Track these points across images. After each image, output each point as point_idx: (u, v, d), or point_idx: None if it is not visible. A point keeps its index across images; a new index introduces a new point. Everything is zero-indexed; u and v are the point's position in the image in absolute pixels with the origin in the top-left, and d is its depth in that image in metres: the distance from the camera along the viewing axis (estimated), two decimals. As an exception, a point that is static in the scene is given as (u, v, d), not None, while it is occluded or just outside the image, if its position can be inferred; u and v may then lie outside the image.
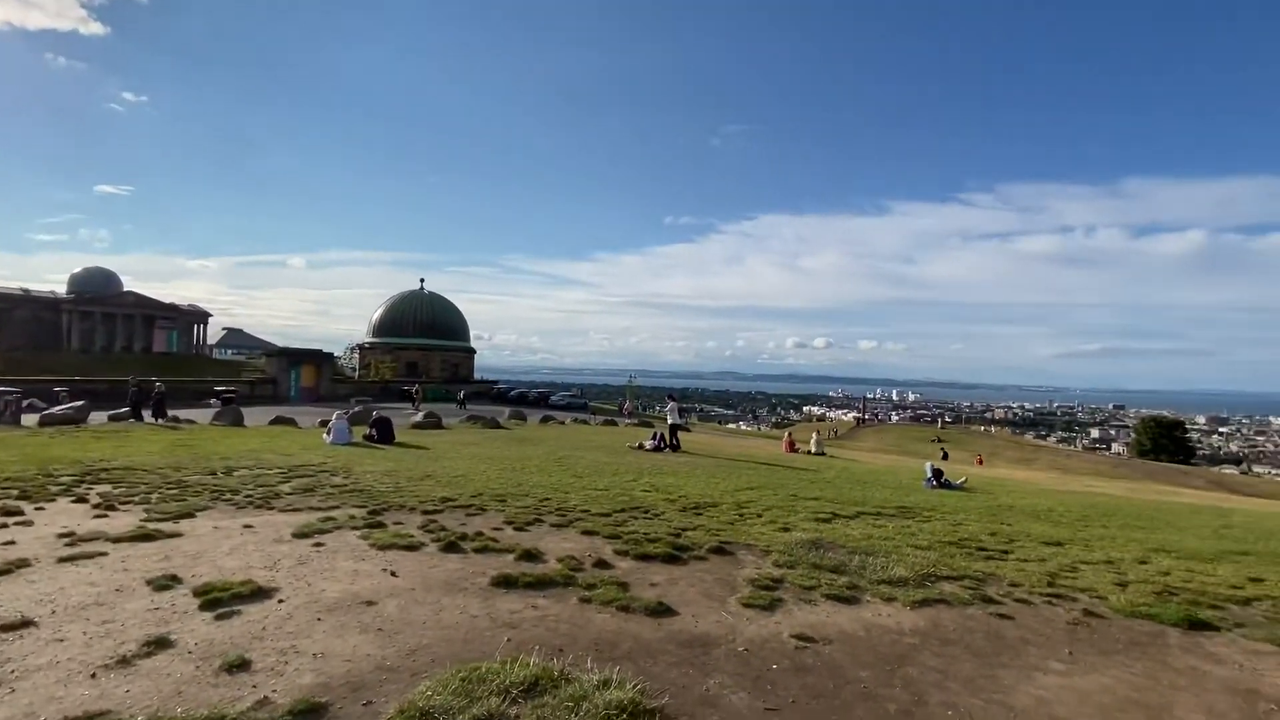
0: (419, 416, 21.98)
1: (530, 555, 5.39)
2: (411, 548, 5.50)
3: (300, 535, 5.77)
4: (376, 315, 57.06)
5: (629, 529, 6.56)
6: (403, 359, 53.81)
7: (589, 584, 4.64)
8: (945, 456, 35.08)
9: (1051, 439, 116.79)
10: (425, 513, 6.99)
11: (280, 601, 4.06)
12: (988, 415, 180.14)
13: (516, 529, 6.42)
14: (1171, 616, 4.51)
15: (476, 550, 5.52)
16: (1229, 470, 71.67)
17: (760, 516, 7.71)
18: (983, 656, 3.70)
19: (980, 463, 34.01)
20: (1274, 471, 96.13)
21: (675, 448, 17.59)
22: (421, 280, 60.37)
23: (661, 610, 4.20)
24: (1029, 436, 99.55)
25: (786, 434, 24.68)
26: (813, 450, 22.16)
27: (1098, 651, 3.88)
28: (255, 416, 21.06)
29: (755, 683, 3.21)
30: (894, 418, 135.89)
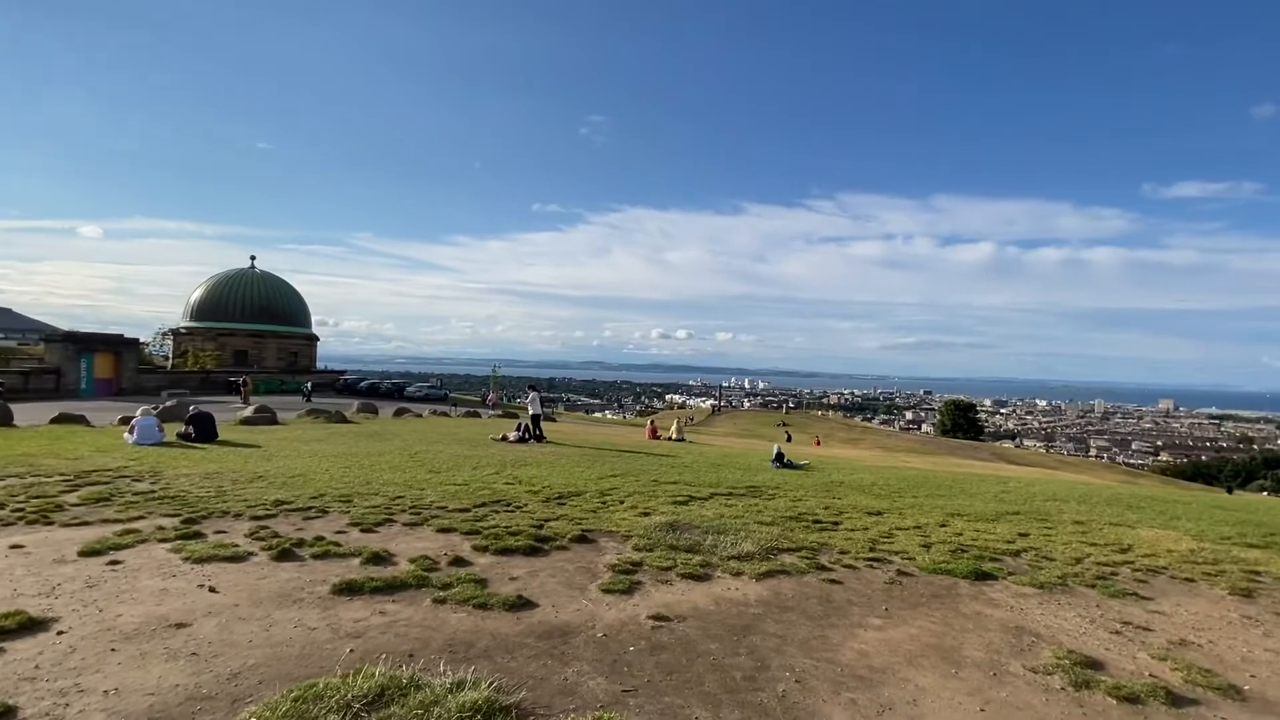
0: (248, 411, 19.62)
1: (379, 558, 5.05)
2: (236, 559, 4.92)
3: (90, 553, 4.91)
4: (196, 296, 49.79)
5: (489, 523, 6.38)
6: (229, 346, 47.57)
7: (444, 583, 4.45)
8: (789, 439, 38.26)
9: (876, 421, 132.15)
10: (254, 519, 6.27)
11: (60, 633, 3.43)
12: (824, 401, 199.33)
13: (364, 530, 5.98)
14: (963, 570, 5.31)
15: (316, 556, 5.06)
16: (1007, 444, 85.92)
17: (623, 503, 7.89)
18: (816, 619, 4.10)
19: (818, 444, 37.48)
20: (1038, 445, 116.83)
21: (539, 438, 17.41)
22: (252, 258, 53.67)
23: (521, 604, 4.15)
24: (858, 419, 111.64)
25: (649, 422, 25.47)
26: (674, 437, 23.07)
27: (907, 605, 4.46)
28: (31, 414, 17.52)
29: (613, 666, 3.28)
30: (746, 404, 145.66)
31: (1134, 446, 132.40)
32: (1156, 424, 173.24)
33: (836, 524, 7.16)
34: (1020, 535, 6.95)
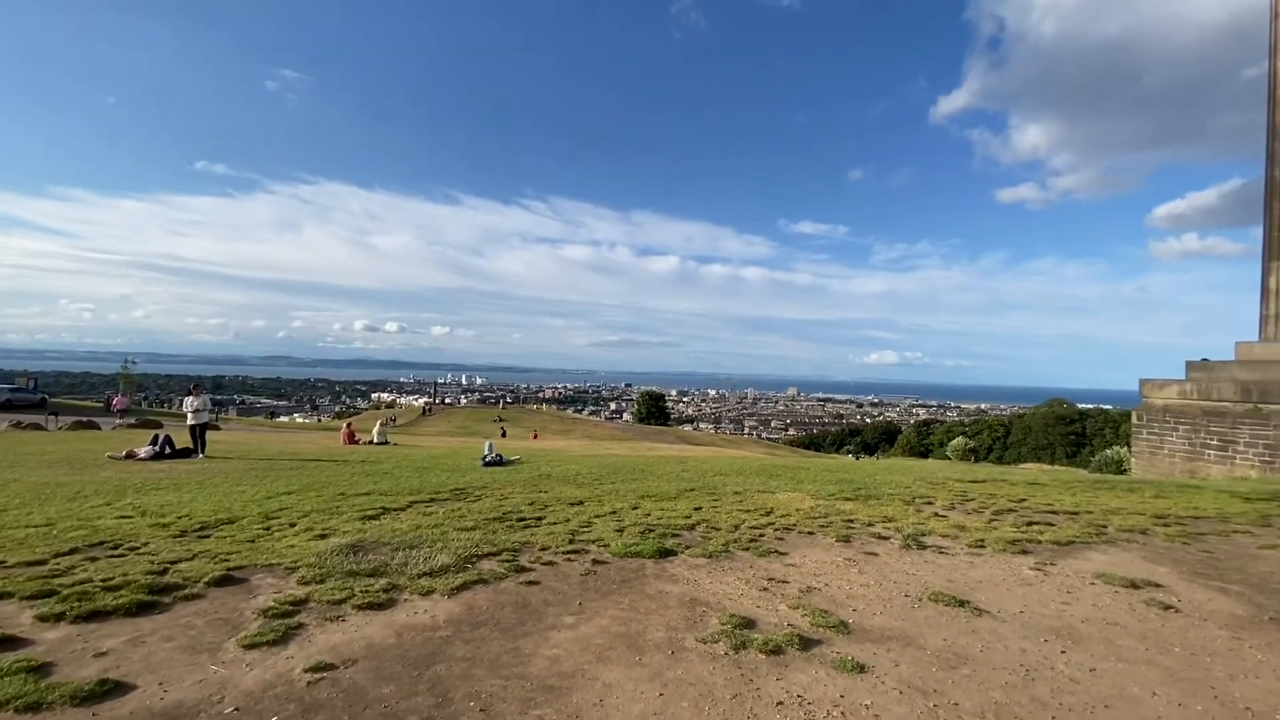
0: None
1: None
2: None
3: None
4: None
5: (75, 578, 4.65)
6: None
7: (-37, 686, 2.99)
8: (504, 435, 38.22)
9: (585, 412, 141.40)
10: None
11: None
12: (540, 395, 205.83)
13: None
14: (649, 550, 5.69)
15: None
16: (687, 428, 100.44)
17: (294, 526, 6.60)
18: (509, 631, 3.87)
19: (535, 437, 38.27)
20: (709, 427, 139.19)
21: (192, 452, 13.93)
22: None
23: (105, 692, 3.01)
24: (569, 411, 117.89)
25: (346, 424, 22.57)
26: (375, 440, 20.85)
27: (600, 595, 4.55)
28: None
29: (241, 752, 2.53)
30: (463, 401, 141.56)
31: (773, 424, 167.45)
32: (787, 406, 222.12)
33: (540, 519, 7.11)
34: (695, 510, 7.85)
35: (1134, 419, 20.13)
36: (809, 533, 6.69)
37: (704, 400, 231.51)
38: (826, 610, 4.23)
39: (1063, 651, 3.66)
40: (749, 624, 3.98)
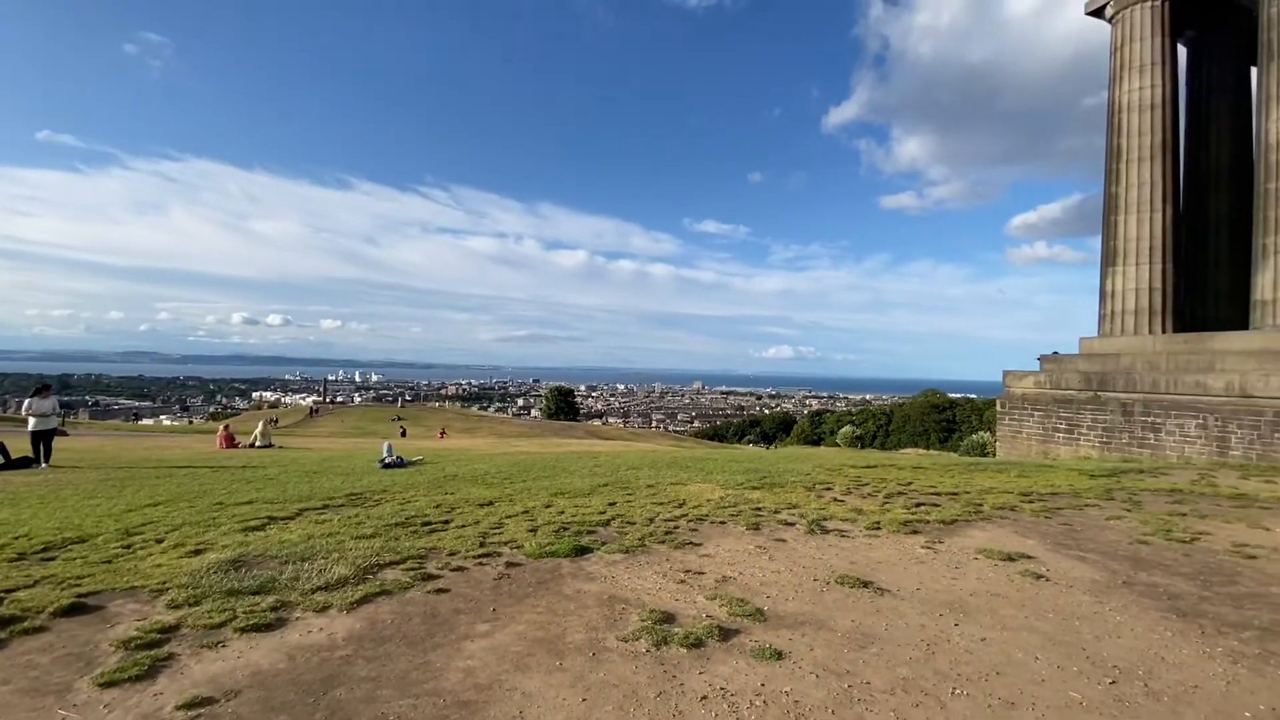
0: None
1: None
2: None
3: None
4: None
5: None
6: None
7: None
8: (404, 434, 36.40)
9: (491, 409, 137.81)
10: None
11: None
12: (442, 392, 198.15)
13: None
14: (564, 549, 5.56)
15: None
16: (596, 423, 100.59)
17: (161, 543, 5.86)
18: (417, 644, 3.62)
19: (443, 436, 36.75)
20: (618, 421, 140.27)
21: (33, 462, 12.11)
22: None
23: (-90, 757, 2.49)
24: (475, 409, 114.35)
25: (223, 426, 20.51)
26: (258, 443, 19.10)
27: (515, 599, 4.37)
28: None
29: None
30: (357, 399, 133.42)
31: (679, 417, 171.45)
32: (692, 399, 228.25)
33: (447, 523, 6.77)
34: (610, 505, 7.79)
35: (998, 406, 22.33)
36: (720, 522, 6.83)
37: (613, 395, 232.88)
38: (743, 599, 4.31)
39: (956, 624, 3.95)
40: (669, 618, 3.97)
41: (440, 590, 4.53)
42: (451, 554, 5.48)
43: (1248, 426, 14.84)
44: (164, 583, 4.58)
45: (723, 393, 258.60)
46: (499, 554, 5.51)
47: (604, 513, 7.27)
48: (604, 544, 5.84)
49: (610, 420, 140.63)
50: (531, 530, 6.36)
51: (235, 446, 18.60)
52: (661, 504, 7.83)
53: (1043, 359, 21.36)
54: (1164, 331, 18.76)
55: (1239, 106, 20.40)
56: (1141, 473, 11.42)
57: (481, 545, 5.75)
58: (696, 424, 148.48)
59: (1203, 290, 20.64)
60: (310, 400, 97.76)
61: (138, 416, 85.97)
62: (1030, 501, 8.17)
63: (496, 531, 6.33)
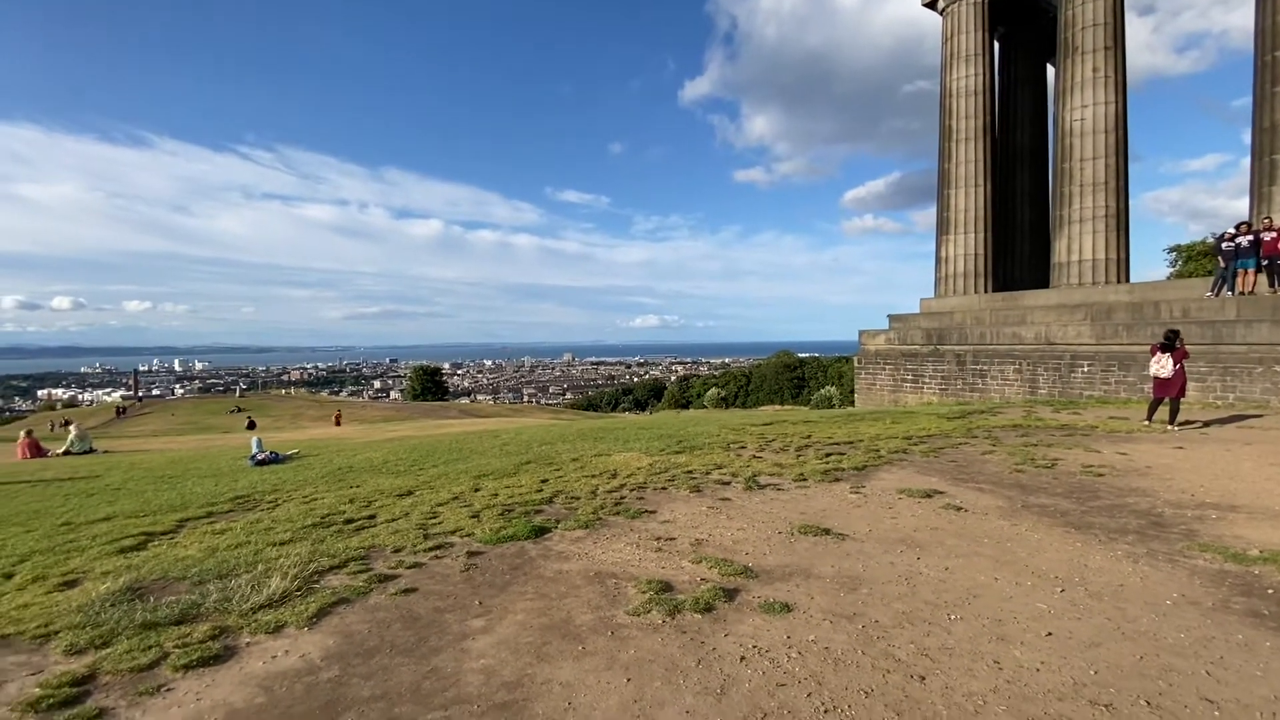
0: None
1: None
2: None
3: None
4: None
5: None
6: None
7: None
8: (252, 425, 32.58)
9: (344, 394, 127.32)
10: None
11: None
12: (284, 378, 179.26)
13: None
14: (522, 531, 5.32)
15: None
16: (465, 401, 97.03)
17: (10, 578, 4.73)
18: (412, 652, 3.28)
19: (338, 422, 33.49)
20: (488, 398, 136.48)
21: None
22: None
23: None
24: (325, 394, 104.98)
25: (24, 433, 16.88)
26: (74, 449, 15.98)
27: (496, 589, 4.12)
28: None
29: None
30: (179, 391, 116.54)
31: (551, 390, 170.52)
32: (563, 372, 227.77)
33: (373, 519, 6.17)
34: (543, 483, 7.56)
35: (855, 362, 24.73)
36: (661, 488, 6.91)
37: (480, 371, 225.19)
38: (725, 559, 4.42)
39: (918, 558, 4.36)
40: (667, 587, 3.96)
41: (407, 590, 4.13)
42: (396, 550, 5.02)
43: (1051, 369, 17.83)
44: (45, 625, 3.71)
45: (593, 363, 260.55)
46: (451, 544, 5.14)
47: (540, 491, 7.05)
48: (559, 522, 5.67)
49: (480, 398, 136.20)
50: (473, 516, 6.00)
51: (43, 455, 15.42)
52: (594, 476, 7.75)
53: (891, 318, 23.93)
54: (986, 291, 21.81)
55: (1039, 96, 23.91)
56: (983, 413, 13.31)
57: (426, 537, 5.32)
58: (570, 396, 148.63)
59: (1012, 255, 24.23)
60: (118, 395, 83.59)
61: None
62: (914, 444, 9.19)
63: (435, 522, 5.89)
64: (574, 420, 30.78)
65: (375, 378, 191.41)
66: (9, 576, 4.77)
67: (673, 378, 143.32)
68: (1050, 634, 3.23)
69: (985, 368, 19.62)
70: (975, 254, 21.89)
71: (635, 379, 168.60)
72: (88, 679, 3.09)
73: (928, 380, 21.44)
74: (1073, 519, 5.23)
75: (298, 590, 4.16)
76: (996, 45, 24.57)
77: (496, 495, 6.93)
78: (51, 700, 2.87)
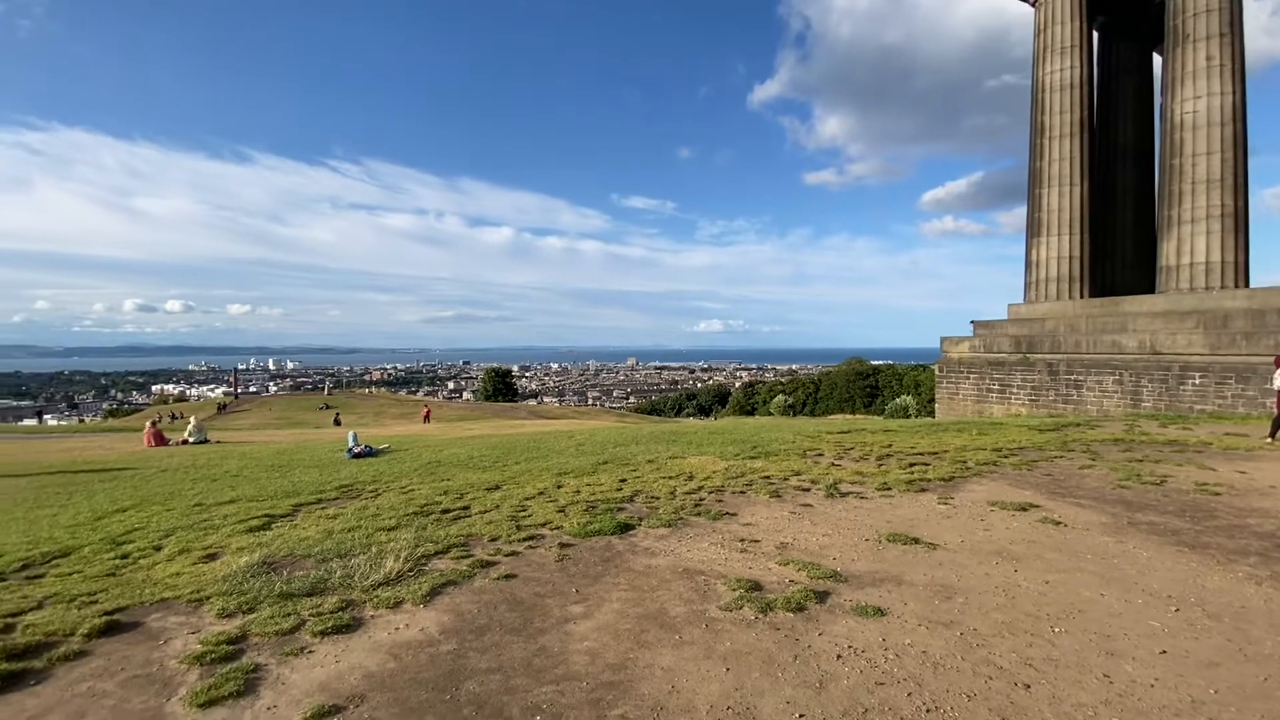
0: None
1: None
2: None
3: None
4: None
5: None
6: None
7: None
8: (338, 422, 34.71)
9: (421, 393, 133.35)
10: None
11: None
12: (366, 378, 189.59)
13: None
14: (608, 527, 5.53)
15: None
16: (532, 402, 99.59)
17: (160, 549, 5.37)
18: (520, 631, 3.53)
19: (428, 419, 35.51)
20: (554, 400, 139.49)
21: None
22: None
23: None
24: (403, 393, 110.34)
25: (149, 423, 18.81)
26: (191, 439, 17.65)
27: (590, 579, 4.33)
28: None
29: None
30: (272, 389, 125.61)
31: (615, 394, 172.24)
32: (627, 376, 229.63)
33: (467, 509, 6.56)
34: (621, 482, 7.78)
35: (936, 370, 23.76)
36: (740, 492, 6.97)
37: (547, 374, 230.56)
38: (813, 563, 4.45)
39: (1015, 570, 4.25)
40: (756, 586, 4.05)
41: (507, 576, 4.41)
42: (492, 539, 5.33)
43: (1157, 380, 16.55)
44: (198, 592, 4.22)
45: (656, 368, 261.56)
46: (542, 536, 5.41)
47: (620, 489, 7.26)
48: (641, 519, 5.85)
49: (546, 400, 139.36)
50: (560, 511, 6.27)
51: (166, 444, 17.12)
52: (671, 478, 7.89)
53: (975, 324, 22.86)
54: (1082, 297, 20.49)
55: (1143, 87, 22.28)
56: (1079, 426, 12.54)
57: (518, 528, 5.62)
58: (633, 400, 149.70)
59: (1111, 258, 22.64)
60: (220, 392, 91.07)
61: (15, 418, 77.40)
62: (1004, 456, 8.81)
63: (524, 514, 6.20)
64: (640, 424, 31.07)
65: (449, 379, 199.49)
66: (159, 549, 5.41)
67: (737, 383, 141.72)
68: (1164, 651, 3.10)
69: (1081, 378, 18.43)
70: (1070, 256, 20.61)
71: (699, 384, 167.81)
72: (240, 639, 3.51)
73: (1016, 390, 20.34)
74: (1186, 538, 4.92)
75: (410, 571, 4.52)
76: (1095, 35, 23.10)
77: (579, 492, 7.19)
78: (212, 655, 3.28)
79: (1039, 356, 19.68)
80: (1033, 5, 21.59)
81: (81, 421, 62.77)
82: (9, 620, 3.85)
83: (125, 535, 5.91)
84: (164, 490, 8.69)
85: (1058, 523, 5.39)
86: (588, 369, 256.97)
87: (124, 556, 5.21)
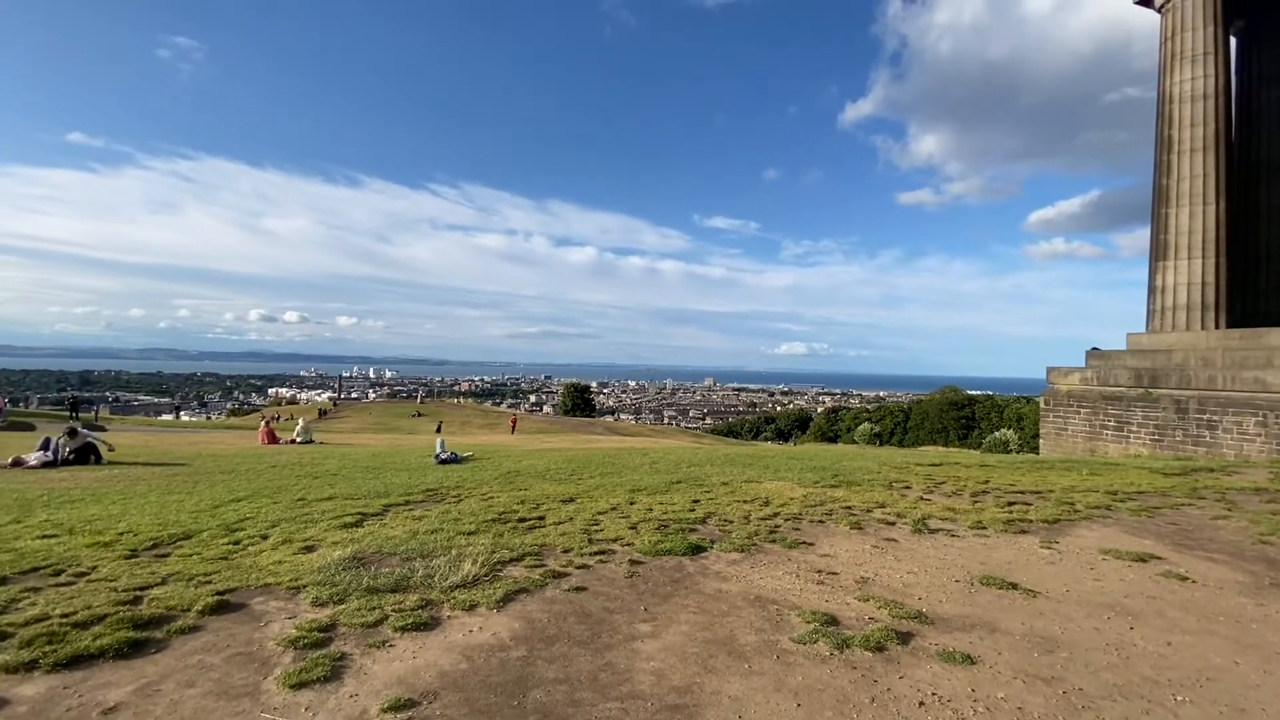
0: None
1: None
2: None
3: None
4: None
5: (27, 614, 3.84)
6: None
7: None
8: (439, 429, 36.56)
9: (504, 405, 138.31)
10: None
11: None
12: (456, 388, 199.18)
13: None
14: (679, 547, 5.47)
15: None
16: (610, 419, 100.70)
17: (266, 539, 5.84)
18: (587, 645, 3.54)
19: (514, 428, 37.16)
20: (630, 417, 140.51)
21: (79, 458, 12.20)
22: None
23: (146, 759, 2.43)
24: (489, 404, 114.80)
25: (264, 422, 20.64)
26: (298, 439, 19.19)
27: (660, 599, 4.28)
28: None
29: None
30: (371, 395, 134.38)
31: (691, 414, 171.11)
32: (704, 396, 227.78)
33: (542, 520, 6.70)
34: (694, 503, 7.69)
35: (1042, 403, 21.98)
36: (819, 521, 6.70)
37: (624, 391, 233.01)
38: (896, 601, 4.19)
39: (1131, 628, 3.81)
40: (832, 620, 3.86)
41: (578, 588, 4.45)
42: (565, 551, 5.41)
43: (1311, 424, 14.49)
44: (296, 580, 4.53)
45: (734, 389, 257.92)
46: (613, 551, 5.43)
47: (693, 510, 7.17)
48: (714, 542, 5.74)
49: (622, 416, 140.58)
50: (631, 528, 6.27)
51: (276, 442, 18.69)
52: (747, 502, 7.72)
53: (1089, 354, 20.99)
54: (1217, 327, 18.36)
55: (1293, 97, 19.90)
56: (1212, 471, 11.17)
57: (590, 542, 5.67)
58: (709, 420, 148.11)
59: (1253, 285, 20.19)
60: (325, 397, 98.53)
61: (155, 413, 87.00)
62: (1121, 501, 7.97)
63: (597, 529, 6.24)
64: (716, 445, 30.65)
65: (531, 392, 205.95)
66: (263, 537, 5.87)
67: (819, 409, 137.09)
68: (1321, 740, 2.67)
69: (1215, 418, 16.44)
70: (1203, 283, 18.56)
71: (778, 407, 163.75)
72: (330, 627, 3.73)
73: (1136, 429, 18.42)
74: (1350, 608, 4.24)
75: (485, 576, 4.65)
76: (1232, 41, 20.94)
77: (651, 510, 7.17)
78: (305, 641, 3.51)
79: (1164, 392, 17.76)
80: (1159, 11, 19.90)
81: (208, 419, 69.73)
82: (138, 593, 4.29)
83: (238, 523, 6.47)
84: (273, 485, 9.45)
85: (1184, 578, 4.79)
86: (664, 388, 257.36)
87: (236, 543, 5.70)
